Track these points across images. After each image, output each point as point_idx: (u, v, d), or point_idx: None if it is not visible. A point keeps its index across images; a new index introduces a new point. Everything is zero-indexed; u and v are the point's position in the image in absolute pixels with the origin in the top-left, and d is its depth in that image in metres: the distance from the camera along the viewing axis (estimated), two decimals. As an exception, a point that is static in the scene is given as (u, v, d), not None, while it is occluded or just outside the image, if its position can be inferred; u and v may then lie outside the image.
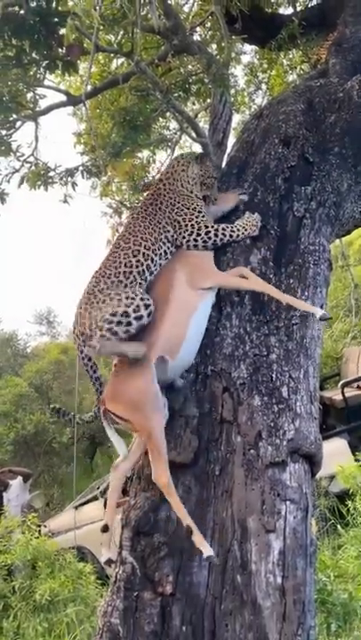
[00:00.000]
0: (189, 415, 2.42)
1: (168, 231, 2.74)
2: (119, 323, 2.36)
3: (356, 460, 5.85)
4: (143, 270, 2.61)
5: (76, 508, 7.68)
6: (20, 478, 8.17)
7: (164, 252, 2.72)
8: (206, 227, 2.73)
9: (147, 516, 2.26)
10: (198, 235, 2.71)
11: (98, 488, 7.74)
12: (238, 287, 2.65)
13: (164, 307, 2.50)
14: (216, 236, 2.72)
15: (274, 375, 2.51)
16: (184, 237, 2.71)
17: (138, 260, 2.61)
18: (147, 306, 2.41)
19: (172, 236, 2.75)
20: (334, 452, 6.18)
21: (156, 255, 2.67)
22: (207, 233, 2.72)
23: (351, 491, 5.57)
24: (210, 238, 2.72)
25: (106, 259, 2.67)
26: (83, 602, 5.13)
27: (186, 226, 2.72)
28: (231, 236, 2.75)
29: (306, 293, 2.76)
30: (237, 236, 2.77)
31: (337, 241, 5.18)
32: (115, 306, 2.39)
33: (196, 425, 2.41)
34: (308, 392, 2.57)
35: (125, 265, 2.60)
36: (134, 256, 2.62)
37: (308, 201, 2.95)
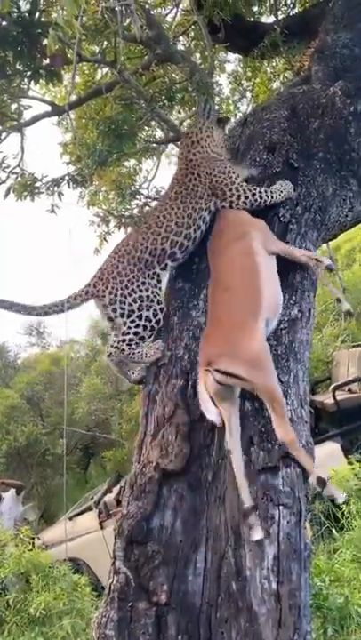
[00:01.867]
0: (180, 422, 2.42)
1: (209, 200, 2.89)
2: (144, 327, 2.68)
3: (350, 464, 5.85)
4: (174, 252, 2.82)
5: (71, 519, 7.61)
6: (12, 491, 8.10)
7: (203, 222, 2.88)
8: (250, 189, 2.88)
9: (140, 525, 2.25)
10: (246, 197, 2.87)
11: (92, 498, 7.69)
12: (291, 256, 2.78)
13: (254, 270, 2.58)
14: (261, 197, 2.87)
15: (264, 380, 2.51)
16: (232, 201, 2.87)
17: (161, 249, 2.79)
18: (162, 310, 2.73)
19: (214, 204, 2.89)
20: (327, 455, 6.18)
21: (193, 231, 2.83)
22: (253, 195, 2.87)
23: (345, 494, 5.57)
24: (256, 200, 2.87)
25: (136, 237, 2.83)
26: (78, 614, 5.07)
27: (230, 190, 2.87)
28: (272, 197, 2.89)
29: (294, 298, 2.78)
30: (277, 197, 2.89)
31: (324, 245, 5.20)
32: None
33: (188, 432, 2.41)
34: (298, 396, 2.58)
35: (150, 253, 2.77)
36: (161, 243, 2.79)
37: (293, 206, 2.97)
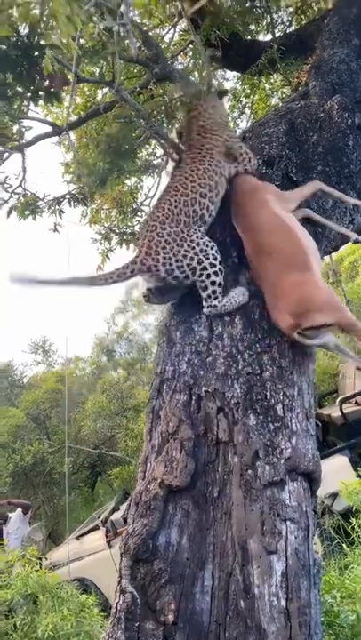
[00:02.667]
0: (184, 438, 2.40)
1: (226, 165, 2.95)
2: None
3: (359, 477, 5.78)
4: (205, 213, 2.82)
5: (78, 538, 7.54)
6: (19, 510, 8.05)
7: (221, 187, 2.92)
8: (250, 152, 3.05)
9: (145, 543, 2.22)
10: (251, 159, 3.01)
11: (99, 517, 7.62)
12: (305, 196, 2.97)
13: (286, 228, 2.74)
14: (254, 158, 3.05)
15: (268, 393, 2.50)
16: (245, 165, 3.00)
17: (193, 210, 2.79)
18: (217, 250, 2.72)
19: (229, 169, 2.96)
20: (336, 469, 6.12)
21: (215, 195, 2.87)
22: (253, 157, 3.03)
23: (355, 508, 5.49)
24: (255, 163, 3.04)
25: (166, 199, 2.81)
26: (86, 636, 4.99)
27: (242, 155, 3.00)
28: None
29: (296, 310, 2.77)
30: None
31: (327, 258, 5.21)
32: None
33: (192, 447, 2.39)
34: (304, 409, 2.56)
35: (185, 214, 2.76)
36: (191, 205, 2.78)
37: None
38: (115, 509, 7.34)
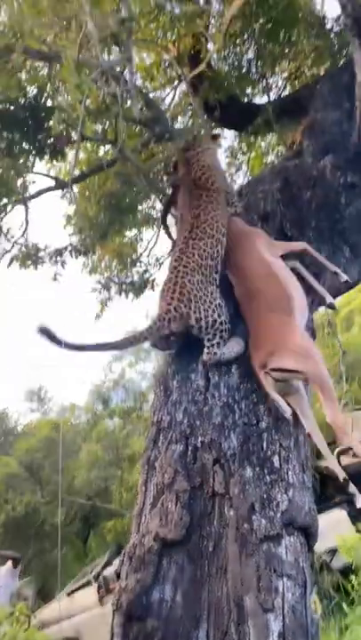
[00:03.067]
0: (180, 489, 2.38)
1: (226, 209, 3.11)
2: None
3: (358, 532, 5.65)
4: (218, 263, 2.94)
5: (69, 594, 7.26)
6: (9, 563, 7.78)
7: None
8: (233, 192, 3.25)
9: (139, 599, 2.16)
10: (238, 202, 3.20)
11: (91, 572, 7.37)
12: (291, 250, 3.05)
13: (272, 273, 2.82)
14: None
15: (264, 444, 2.50)
16: (235, 207, 3.17)
17: (217, 251, 2.93)
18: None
19: (227, 212, 3.12)
20: (334, 524, 5.98)
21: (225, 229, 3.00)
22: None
23: (355, 565, 5.34)
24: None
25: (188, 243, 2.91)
26: None
27: (232, 197, 3.18)
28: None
29: (292, 361, 2.80)
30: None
31: (322, 309, 5.28)
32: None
33: (188, 500, 2.36)
34: (300, 461, 2.55)
35: (211, 257, 2.88)
36: (216, 246, 2.92)
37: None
38: (107, 564, 7.11)
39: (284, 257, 3.03)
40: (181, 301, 2.73)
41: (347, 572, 5.59)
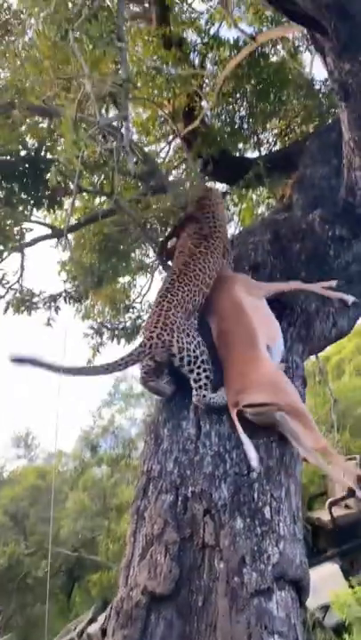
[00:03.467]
0: (170, 541, 2.34)
1: (220, 263, 3.22)
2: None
3: (351, 587, 5.48)
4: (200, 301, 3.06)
5: (51, 654, 6.94)
6: (-11, 620, 7.45)
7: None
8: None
9: (126, 658, 2.10)
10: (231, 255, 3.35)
11: (74, 629, 7.07)
12: (280, 290, 3.14)
13: (241, 310, 2.90)
14: None
15: (255, 495, 2.48)
16: (230, 262, 3.30)
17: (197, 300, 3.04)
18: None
19: (220, 265, 3.22)
20: (326, 578, 5.81)
21: (207, 285, 3.10)
22: None
23: (348, 622, 5.16)
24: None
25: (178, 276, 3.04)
26: None
27: (228, 251, 3.30)
28: None
29: (283, 410, 2.81)
30: None
31: (313, 357, 5.32)
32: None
33: (177, 551, 2.32)
34: (291, 512, 2.52)
35: (192, 304, 2.99)
36: (198, 294, 3.03)
37: (279, 321, 3.11)
38: (92, 620, 6.84)
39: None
40: (165, 330, 2.80)
41: (340, 630, 5.39)
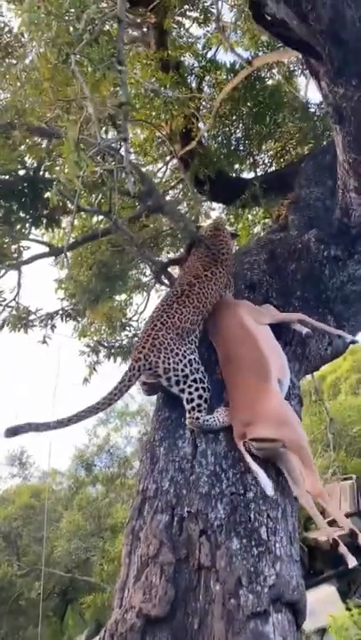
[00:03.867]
0: (165, 562, 2.31)
1: (225, 289, 3.25)
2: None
3: (348, 609, 5.41)
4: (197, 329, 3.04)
5: None
6: (-21, 644, 7.29)
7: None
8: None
9: None
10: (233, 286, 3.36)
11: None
12: (285, 320, 3.13)
13: (251, 338, 2.86)
14: None
15: (252, 515, 2.46)
16: (231, 290, 3.30)
17: (197, 320, 3.03)
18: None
19: (221, 293, 3.24)
20: (324, 600, 5.75)
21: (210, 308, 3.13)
22: None
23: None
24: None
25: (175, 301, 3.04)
26: None
27: (230, 281, 3.31)
28: None
29: (279, 429, 2.81)
30: None
31: (309, 376, 5.34)
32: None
33: (173, 573, 2.30)
34: (288, 532, 2.51)
35: (191, 322, 2.98)
36: (199, 314, 3.04)
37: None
38: (85, 644, 6.71)
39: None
40: (152, 350, 2.79)
41: (338, 654, 5.32)
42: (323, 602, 5.62)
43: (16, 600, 10.67)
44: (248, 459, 2.48)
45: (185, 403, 2.75)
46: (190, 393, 2.73)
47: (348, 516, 7.18)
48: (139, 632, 2.15)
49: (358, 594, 6.20)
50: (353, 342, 3.31)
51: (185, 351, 2.83)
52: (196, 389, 2.74)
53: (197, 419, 2.69)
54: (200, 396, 2.73)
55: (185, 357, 2.80)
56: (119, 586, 2.47)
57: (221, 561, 2.30)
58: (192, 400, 2.72)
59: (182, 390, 2.76)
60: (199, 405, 2.71)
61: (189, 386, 2.74)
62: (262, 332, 2.96)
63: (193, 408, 2.71)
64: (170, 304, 3.00)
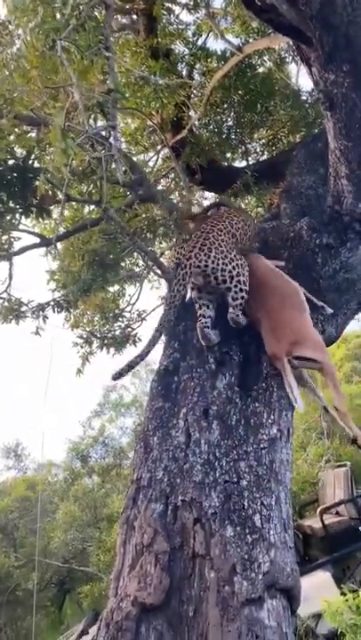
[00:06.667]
0: (160, 551, 2.33)
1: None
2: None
3: (342, 594, 5.44)
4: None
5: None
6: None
7: None
8: None
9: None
10: None
11: (66, 642, 6.98)
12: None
13: (290, 281, 3.15)
14: None
15: (246, 503, 2.48)
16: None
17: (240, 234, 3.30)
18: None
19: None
20: (318, 586, 5.78)
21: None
22: None
23: (340, 630, 5.13)
24: None
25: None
26: None
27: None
28: None
29: (272, 417, 2.82)
30: None
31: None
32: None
33: (167, 561, 2.31)
34: (282, 520, 2.53)
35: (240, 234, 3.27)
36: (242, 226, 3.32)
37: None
38: (83, 633, 6.75)
39: None
40: (202, 250, 2.97)
41: (332, 638, 5.37)
42: (318, 588, 5.66)
43: (13, 591, 10.72)
44: (289, 373, 2.76)
45: (230, 299, 2.98)
46: (236, 292, 2.97)
47: (342, 503, 7.24)
48: (134, 620, 2.16)
49: (353, 579, 6.24)
50: (334, 315, 3.42)
51: (234, 255, 3.04)
52: (241, 290, 2.98)
53: (238, 315, 2.99)
54: (243, 297, 2.99)
55: (233, 260, 3.00)
56: (114, 575, 2.48)
57: (216, 549, 2.31)
58: (237, 298, 2.98)
59: (228, 289, 2.98)
60: (241, 305, 2.99)
61: (235, 285, 2.97)
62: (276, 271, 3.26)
63: (236, 306, 2.98)
64: (231, 218, 3.26)
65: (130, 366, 2.94)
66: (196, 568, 2.31)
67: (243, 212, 3.45)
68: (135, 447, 2.97)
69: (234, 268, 2.99)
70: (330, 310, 3.34)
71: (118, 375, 2.93)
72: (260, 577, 2.23)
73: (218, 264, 2.96)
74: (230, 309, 3.00)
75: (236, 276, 2.98)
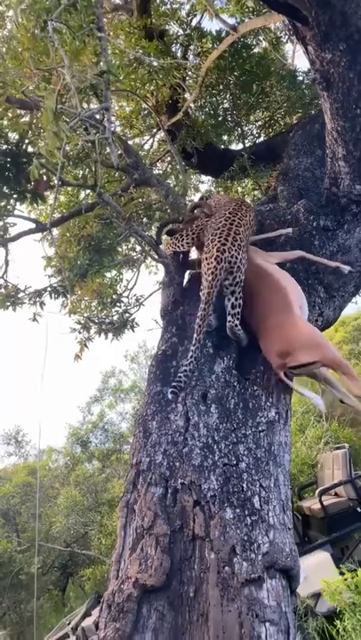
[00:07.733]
0: (160, 533, 2.35)
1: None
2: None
3: (341, 574, 5.53)
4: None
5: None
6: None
7: None
8: None
9: (118, 650, 2.10)
10: None
11: (69, 623, 7.08)
12: (287, 258, 3.27)
13: (267, 273, 3.02)
14: None
15: (245, 485, 2.49)
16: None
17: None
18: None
19: None
20: (318, 566, 5.87)
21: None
22: None
23: (339, 609, 5.22)
24: None
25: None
26: None
27: None
28: None
29: (270, 400, 2.83)
30: None
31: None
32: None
33: (168, 543, 2.33)
34: (281, 501, 2.54)
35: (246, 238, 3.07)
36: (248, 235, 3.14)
37: (265, 312, 3.11)
38: (86, 615, 6.85)
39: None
40: (233, 245, 2.87)
41: (331, 616, 5.47)
42: (317, 568, 5.74)
43: (16, 575, 10.85)
44: (294, 386, 2.73)
45: (229, 307, 2.88)
46: (236, 299, 2.88)
47: (341, 484, 7.31)
48: (135, 602, 2.19)
49: (352, 559, 6.33)
50: (351, 272, 3.35)
51: (244, 258, 2.94)
52: (241, 298, 2.89)
53: (236, 325, 2.88)
54: (240, 305, 2.89)
55: (243, 266, 2.91)
56: (115, 558, 2.50)
57: (215, 530, 2.33)
58: (236, 306, 2.88)
59: (233, 292, 2.87)
60: (238, 314, 2.89)
61: (239, 292, 2.88)
62: (273, 267, 3.11)
63: (234, 315, 2.88)
64: (235, 211, 3.09)
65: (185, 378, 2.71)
66: (196, 550, 2.33)
67: (246, 204, 3.33)
68: (134, 432, 2.98)
69: (242, 273, 2.89)
70: (347, 268, 3.29)
71: (178, 390, 2.67)
72: (260, 557, 2.25)
73: (241, 265, 2.86)
74: (229, 318, 2.88)
75: (241, 282, 2.88)
